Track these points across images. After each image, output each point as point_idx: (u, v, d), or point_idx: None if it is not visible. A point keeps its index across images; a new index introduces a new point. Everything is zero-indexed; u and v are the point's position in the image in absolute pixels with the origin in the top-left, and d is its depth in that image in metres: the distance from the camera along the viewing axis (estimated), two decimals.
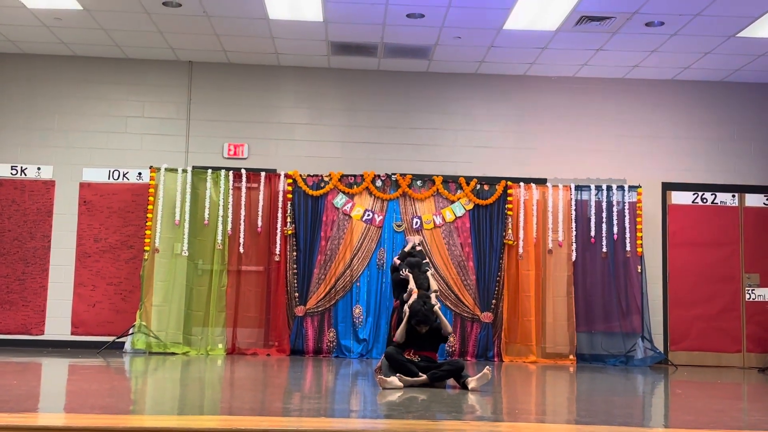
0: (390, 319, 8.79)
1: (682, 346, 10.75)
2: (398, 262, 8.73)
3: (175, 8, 9.13)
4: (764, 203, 11.01)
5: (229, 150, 10.87)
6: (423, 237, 10.37)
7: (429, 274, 8.24)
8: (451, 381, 6.99)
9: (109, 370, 8.33)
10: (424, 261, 8.72)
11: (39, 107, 10.81)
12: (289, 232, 10.41)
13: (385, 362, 7.06)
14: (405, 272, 8.01)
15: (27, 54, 10.85)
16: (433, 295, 7.52)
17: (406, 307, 7.22)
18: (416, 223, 10.47)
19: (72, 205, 10.64)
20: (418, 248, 9.58)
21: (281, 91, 11.08)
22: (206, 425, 4.31)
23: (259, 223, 10.41)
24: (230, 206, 10.40)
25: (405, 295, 7.70)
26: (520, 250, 10.47)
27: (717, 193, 10.98)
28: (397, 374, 6.79)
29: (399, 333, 7.13)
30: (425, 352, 7.13)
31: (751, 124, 11.14)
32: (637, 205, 10.56)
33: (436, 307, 7.24)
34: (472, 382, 6.67)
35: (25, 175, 10.69)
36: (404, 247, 9.64)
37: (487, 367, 6.82)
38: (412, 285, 7.65)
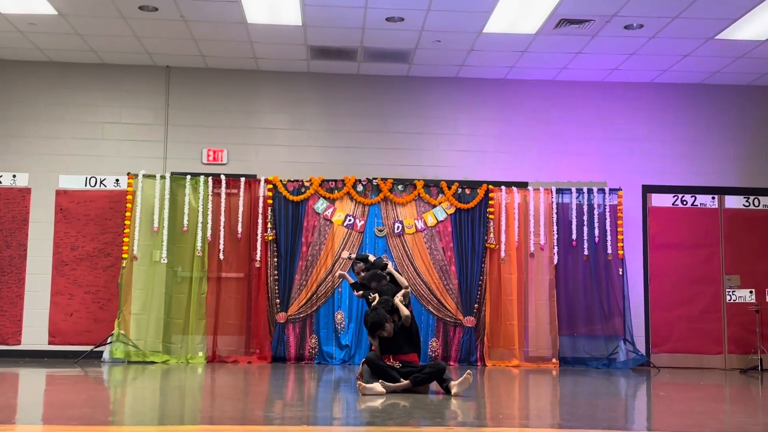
0: None
1: (664, 348, 10.78)
2: (360, 293, 8.40)
3: (152, 12, 9.03)
4: (744, 205, 11.07)
5: (208, 156, 10.77)
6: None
7: (391, 268, 8.08)
8: (434, 386, 6.93)
9: (87, 380, 8.21)
10: (376, 261, 8.43)
11: (14, 114, 10.67)
12: (270, 238, 10.33)
13: (366, 368, 6.99)
14: (372, 296, 7.86)
15: (1, 60, 10.69)
16: (399, 294, 7.33)
17: None
18: (398, 227, 10.42)
19: (48, 212, 10.50)
20: (353, 256, 9.10)
21: (260, 96, 11.01)
22: None
23: (239, 230, 10.32)
24: (209, 212, 10.30)
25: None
26: (502, 254, 10.46)
27: (697, 195, 11.04)
28: (380, 380, 6.71)
29: (375, 347, 7.12)
30: (404, 356, 7.03)
31: (730, 126, 11.21)
32: (618, 207, 10.59)
33: (397, 300, 7.09)
34: (454, 387, 6.61)
35: (0, 182, 10.53)
36: (348, 280, 8.91)
37: (468, 371, 6.78)
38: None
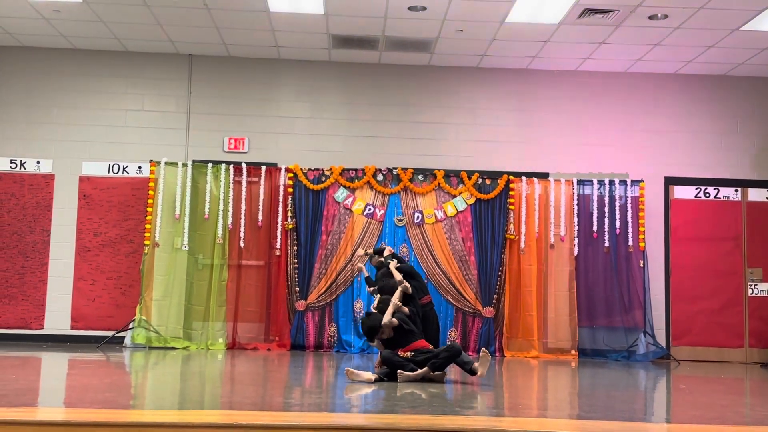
0: None
1: (685, 341, 10.71)
2: (371, 289, 8.40)
3: (175, 0, 9.06)
4: (767, 198, 10.96)
5: (230, 144, 10.82)
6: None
7: (392, 267, 7.94)
8: (453, 375, 6.94)
9: (109, 365, 8.29)
10: (386, 261, 8.28)
11: (38, 100, 10.76)
12: (290, 226, 10.37)
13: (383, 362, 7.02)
14: (371, 290, 7.83)
15: (26, 47, 10.79)
16: (395, 296, 7.28)
17: None
18: (417, 217, 10.42)
19: (71, 199, 10.60)
20: (369, 252, 8.91)
21: (282, 85, 11.03)
22: (207, 420, 4.27)
23: (260, 218, 10.37)
24: (230, 200, 10.36)
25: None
26: (522, 245, 10.43)
27: (720, 188, 10.94)
28: (398, 371, 6.73)
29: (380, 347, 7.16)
30: (413, 345, 7.02)
31: (754, 119, 11.09)
32: (640, 199, 10.52)
33: (387, 318, 7.04)
34: (479, 370, 6.64)
35: (25, 168, 10.64)
36: (364, 273, 8.87)
37: (483, 349, 6.80)
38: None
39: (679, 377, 8.69)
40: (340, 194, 10.48)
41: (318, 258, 10.36)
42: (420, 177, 10.56)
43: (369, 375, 6.70)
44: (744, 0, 8.61)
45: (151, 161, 10.41)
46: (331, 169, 10.52)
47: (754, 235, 10.86)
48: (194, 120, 10.86)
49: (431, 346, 7.12)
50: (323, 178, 10.49)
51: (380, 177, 10.53)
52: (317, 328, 10.25)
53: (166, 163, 10.37)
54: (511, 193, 10.51)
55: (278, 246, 10.32)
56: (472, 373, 6.67)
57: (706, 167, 10.97)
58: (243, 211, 10.36)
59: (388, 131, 10.93)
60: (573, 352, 10.28)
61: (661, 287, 10.73)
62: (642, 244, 10.44)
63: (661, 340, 10.52)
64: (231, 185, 10.39)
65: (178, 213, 10.26)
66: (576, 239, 10.47)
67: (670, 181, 10.95)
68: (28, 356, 8.72)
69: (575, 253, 10.45)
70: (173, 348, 9.91)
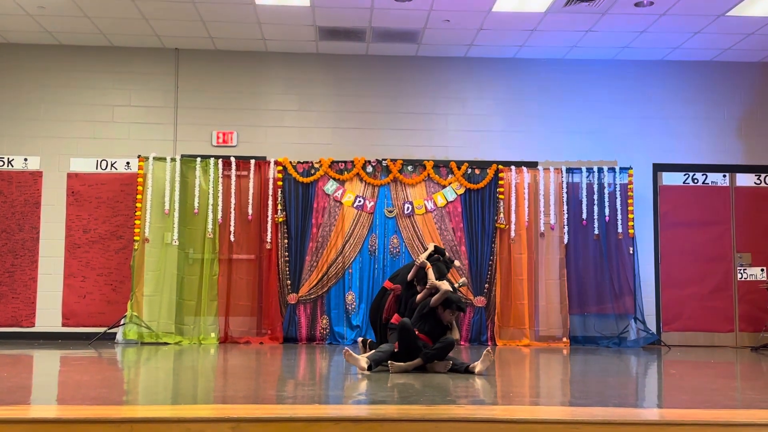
0: (382, 302, 8.48)
1: (675, 326, 10.78)
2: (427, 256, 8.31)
3: None
4: (755, 182, 11.02)
5: (218, 138, 10.79)
6: (416, 231, 10.22)
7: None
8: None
9: (101, 361, 8.28)
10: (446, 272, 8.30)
11: (25, 97, 10.70)
12: (280, 219, 10.36)
13: (394, 335, 7.02)
14: (422, 261, 7.86)
15: (11, 43, 10.72)
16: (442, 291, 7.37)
17: (442, 286, 7.12)
18: (408, 208, 10.43)
19: (60, 195, 10.56)
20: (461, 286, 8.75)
21: (269, 78, 11.00)
22: (200, 414, 4.27)
23: (250, 211, 10.36)
24: (220, 194, 10.34)
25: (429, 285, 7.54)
26: (512, 234, 10.46)
27: (708, 174, 10.99)
28: (389, 361, 6.74)
29: (439, 296, 7.03)
30: (425, 336, 7.06)
31: (740, 104, 11.14)
32: (629, 186, 10.56)
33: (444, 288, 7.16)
34: (478, 366, 6.64)
35: (12, 166, 10.59)
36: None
37: (488, 348, 6.82)
38: (431, 276, 7.55)
39: (669, 362, 8.74)
40: (330, 186, 10.47)
41: (309, 251, 10.36)
42: (409, 168, 10.57)
43: (364, 363, 6.68)
44: None
45: (139, 156, 10.37)
46: (320, 161, 10.51)
47: (742, 220, 10.93)
48: (182, 114, 10.82)
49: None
50: (312, 171, 10.48)
51: (370, 168, 10.53)
52: (309, 321, 10.26)
53: (154, 158, 10.33)
54: (500, 182, 10.53)
55: (269, 239, 10.31)
56: (468, 371, 6.68)
57: (694, 153, 11.02)
58: (233, 205, 10.35)
59: (376, 122, 10.93)
60: (564, 339, 10.33)
61: (651, 273, 10.79)
62: (631, 231, 10.49)
63: (652, 325, 10.58)
64: (220, 179, 10.37)
65: (167, 208, 10.24)
66: (566, 227, 10.50)
67: (659, 168, 10.99)
68: (19, 354, 8.70)
69: (565, 241, 10.49)
70: (165, 343, 9.90)
